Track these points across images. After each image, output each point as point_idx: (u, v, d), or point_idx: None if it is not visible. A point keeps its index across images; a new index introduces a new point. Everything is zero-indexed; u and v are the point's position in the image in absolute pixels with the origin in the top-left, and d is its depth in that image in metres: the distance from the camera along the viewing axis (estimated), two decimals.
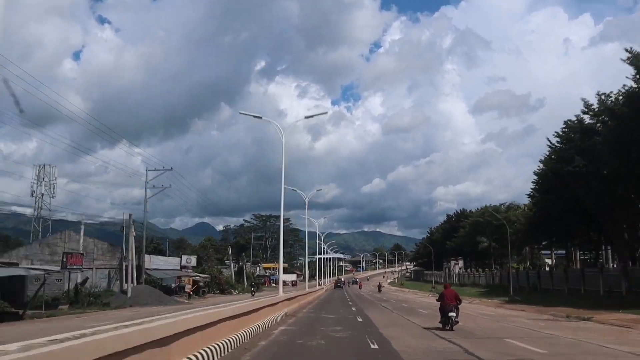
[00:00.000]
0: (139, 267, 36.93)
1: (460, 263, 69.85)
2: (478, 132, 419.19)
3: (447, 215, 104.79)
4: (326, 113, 48.89)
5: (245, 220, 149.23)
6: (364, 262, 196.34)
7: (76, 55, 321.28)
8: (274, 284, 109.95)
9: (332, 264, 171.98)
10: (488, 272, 64.66)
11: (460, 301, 17.26)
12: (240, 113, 31.00)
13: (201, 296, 50.64)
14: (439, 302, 17.24)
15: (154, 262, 42.20)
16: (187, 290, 42.78)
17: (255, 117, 29.06)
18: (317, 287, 63.11)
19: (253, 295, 47.09)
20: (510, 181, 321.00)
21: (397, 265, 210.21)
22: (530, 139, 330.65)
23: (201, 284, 54.95)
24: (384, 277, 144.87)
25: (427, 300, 40.53)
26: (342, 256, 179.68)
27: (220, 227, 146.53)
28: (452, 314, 16.43)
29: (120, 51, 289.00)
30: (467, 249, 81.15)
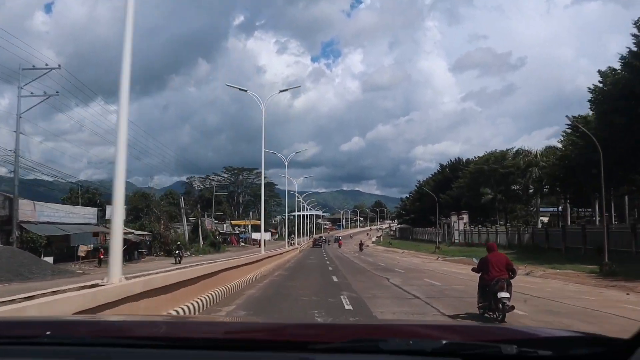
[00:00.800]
0: (9, 219, 23.98)
1: (465, 218, 58.27)
2: (458, 90, 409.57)
3: (440, 165, 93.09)
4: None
5: (215, 174, 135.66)
6: (343, 220, 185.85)
7: (48, 8, 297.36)
8: (242, 243, 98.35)
9: (311, 221, 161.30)
10: (511, 228, 53.12)
11: (514, 273, 10.55)
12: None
13: (136, 260, 38.10)
14: (479, 274, 10.68)
15: (46, 213, 28.92)
16: (80, 253, 30.03)
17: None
18: (289, 247, 51.18)
19: (178, 262, 34.26)
20: (488, 141, 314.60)
21: (379, 223, 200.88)
22: (510, 98, 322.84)
23: (140, 242, 42.35)
24: (367, 234, 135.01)
25: (447, 269, 28.33)
26: (320, 213, 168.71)
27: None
28: (504, 294, 9.85)
29: (94, 3, 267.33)
30: (465, 203, 69.88)
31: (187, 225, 58.80)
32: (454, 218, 60.71)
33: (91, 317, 3.50)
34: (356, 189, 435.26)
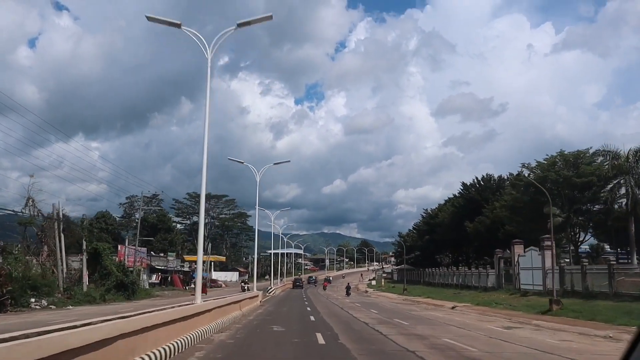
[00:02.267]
0: None
1: (548, 253, 34.45)
2: (440, 135, 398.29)
3: (463, 184, 71.24)
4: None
5: (177, 200, 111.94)
6: (327, 260, 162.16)
7: (32, 42, 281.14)
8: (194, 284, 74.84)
9: (290, 260, 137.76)
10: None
11: None
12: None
13: None
14: None
15: None
16: None
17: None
18: (242, 295, 27.91)
19: None
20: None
21: (367, 264, 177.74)
22: (490, 144, 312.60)
23: None
24: (362, 276, 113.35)
25: None
26: (300, 251, 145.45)
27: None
28: None
29: (78, 40, 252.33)
30: (507, 233, 48.01)
31: (83, 256, 35.09)
32: (518, 249, 37.89)
33: None
34: (337, 232, 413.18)
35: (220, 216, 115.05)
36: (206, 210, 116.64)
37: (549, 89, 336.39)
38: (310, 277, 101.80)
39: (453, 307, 32.19)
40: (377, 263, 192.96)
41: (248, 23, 18.53)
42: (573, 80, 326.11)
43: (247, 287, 62.97)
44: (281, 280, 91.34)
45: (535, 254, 34.26)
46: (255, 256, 54.78)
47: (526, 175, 48.31)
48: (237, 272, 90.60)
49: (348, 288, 55.74)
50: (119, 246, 50.81)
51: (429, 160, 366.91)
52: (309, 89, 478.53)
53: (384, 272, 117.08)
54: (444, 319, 23.54)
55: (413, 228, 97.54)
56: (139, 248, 52.06)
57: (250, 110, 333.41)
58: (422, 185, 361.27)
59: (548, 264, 30.13)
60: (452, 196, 75.36)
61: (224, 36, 17.79)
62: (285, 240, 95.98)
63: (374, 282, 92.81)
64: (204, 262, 69.88)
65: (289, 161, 56.03)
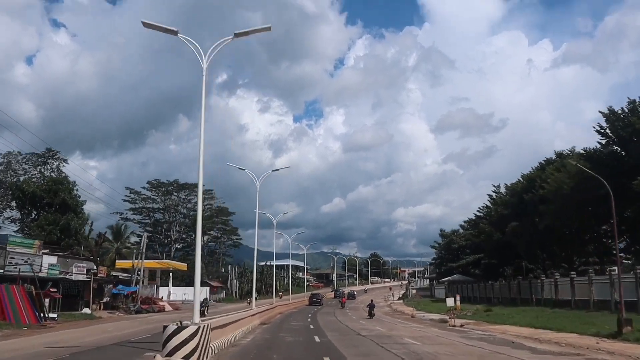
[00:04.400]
0: None
1: None
2: (439, 152, 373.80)
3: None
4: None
5: (132, 190, 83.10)
6: (335, 275, 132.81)
7: (29, 60, 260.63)
8: (124, 303, 44.83)
9: (285, 273, 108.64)
10: None
11: None
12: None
13: None
14: None
15: None
16: None
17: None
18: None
19: None
20: (468, 204, 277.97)
21: (381, 281, 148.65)
22: (490, 160, 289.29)
23: None
24: (390, 290, 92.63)
25: None
26: (302, 264, 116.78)
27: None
28: None
29: (75, 58, 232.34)
30: None
31: None
32: None
33: None
34: (337, 250, 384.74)
35: (192, 213, 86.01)
36: (172, 206, 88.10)
37: (547, 105, 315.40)
38: (337, 290, 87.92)
39: None
40: (389, 279, 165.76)
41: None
42: (571, 96, 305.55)
43: (207, 310, 39.06)
44: (278, 297, 62.78)
45: None
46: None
47: None
48: (208, 288, 61.28)
49: (371, 307, 40.20)
50: None
51: (429, 177, 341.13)
52: (308, 106, 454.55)
53: (410, 286, 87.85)
54: None
55: (465, 227, 68.87)
56: None
57: (249, 127, 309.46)
58: (421, 203, 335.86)
59: None
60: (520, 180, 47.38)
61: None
62: (290, 244, 68.14)
63: (397, 299, 63.80)
64: (138, 269, 41.00)
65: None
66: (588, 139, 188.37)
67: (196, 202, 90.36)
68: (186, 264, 60.02)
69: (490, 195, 57.11)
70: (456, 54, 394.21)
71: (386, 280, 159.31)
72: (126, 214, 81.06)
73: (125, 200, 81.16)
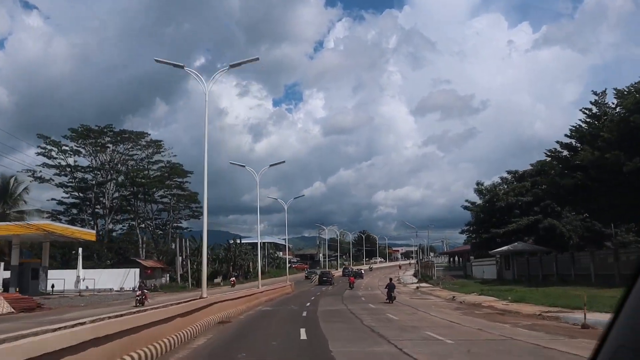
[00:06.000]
0: None
1: None
2: (420, 134, 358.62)
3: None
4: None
5: (49, 141, 60.67)
6: (321, 255, 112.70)
7: (0, 44, 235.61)
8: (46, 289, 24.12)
9: (265, 251, 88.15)
10: None
11: None
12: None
13: None
14: None
15: None
16: None
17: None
18: None
19: None
20: (449, 185, 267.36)
21: (374, 260, 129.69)
22: (471, 142, 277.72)
23: None
24: (400, 268, 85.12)
25: None
26: (281, 241, 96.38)
27: None
28: None
29: (49, 39, 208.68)
30: None
31: None
32: None
33: None
34: (319, 234, 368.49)
35: (137, 173, 63.69)
36: (110, 161, 66.18)
37: (528, 86, 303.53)
38: (345, 268, 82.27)
39: None
40: (381, 259, 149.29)
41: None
42: (550, 79, 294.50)
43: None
44: (230, 285, 42.62)
45: None
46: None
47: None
48: (138, 270, 39.89)
49: (390, 288, 29.47)
50: None
51: (409, 160, 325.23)
52: (288, 89, 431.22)
53: (424, 263, 68.09)
54: None
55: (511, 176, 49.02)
56: None
57: (228, 112, 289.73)
58: (402, 186, 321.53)
59: None
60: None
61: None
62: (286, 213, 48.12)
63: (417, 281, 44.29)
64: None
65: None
66: (568, 120, 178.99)
67: (143, 158, 68.79)
68: (94, 232, 38.61)
69: (589, 110, 35.96)
70: (437, 36, 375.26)
71: (379, 259, 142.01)
72: (41, 172, 58.82)
73: (38, 154, 58.95)
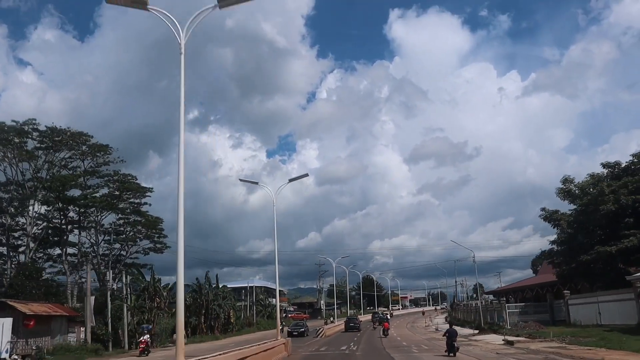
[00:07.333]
0: None
1: None
2: (414, 183, 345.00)
3: None
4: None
5: None
6: (322, 302, 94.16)
7: None
8: None
9: (254, 297, 70.08)
10: None
11: None
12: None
13: None
14: None
15: None
16: None
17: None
18: None
19: None
20: (445, 233, 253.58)
21: (389, 308, 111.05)
22: (465, 189, 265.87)
23: None
24: (423, 314, 78.33)
25: None
26: (272, 285, 79.01)
27: None
28: None
29: (43, 95, 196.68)
30: None
31: None
32: None
33: None
34: (314, 286, 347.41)
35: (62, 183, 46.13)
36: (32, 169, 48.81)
37: (517, 133, 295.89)
38: (375, 313, 70.04)
39: None
40: (385, 308, 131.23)
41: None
42: (539, 125, 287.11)
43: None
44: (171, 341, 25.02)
45: None
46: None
47: None
48: (10, 319, 22.24)
49: (450, 335, 21.97)
50: None
51: (404, 209, 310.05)
52: (281, 140, 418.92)
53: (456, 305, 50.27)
54: None
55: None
56: None
57: (222, 163, 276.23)
58: (397, 235, 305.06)
59: None
60: None
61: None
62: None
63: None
64: None
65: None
66: (560, 166, 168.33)
67: (66, 166, 50.85)
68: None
69: None
70: (428, 85, 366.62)
71: (382, 309, 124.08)
72: None
73: None
